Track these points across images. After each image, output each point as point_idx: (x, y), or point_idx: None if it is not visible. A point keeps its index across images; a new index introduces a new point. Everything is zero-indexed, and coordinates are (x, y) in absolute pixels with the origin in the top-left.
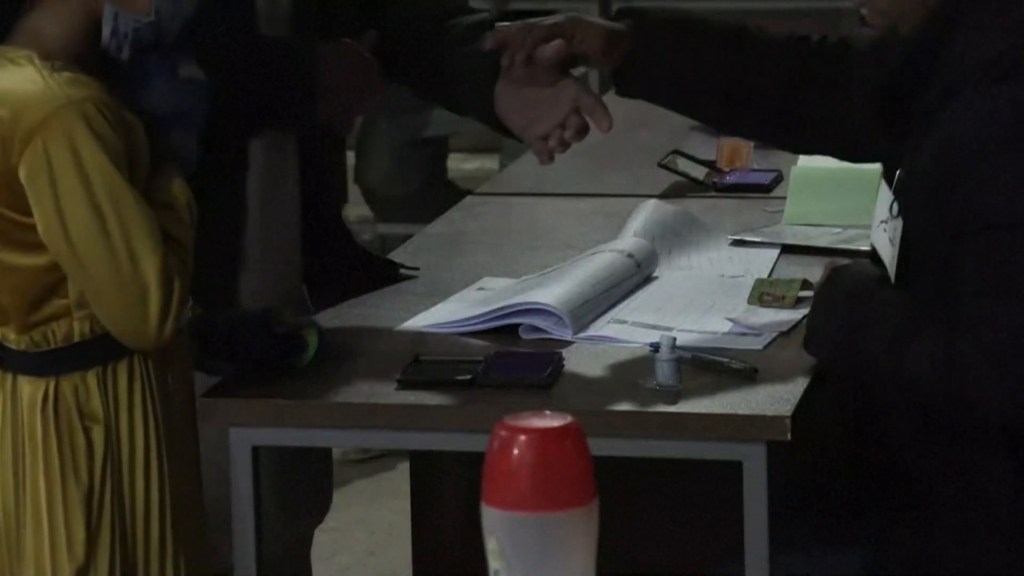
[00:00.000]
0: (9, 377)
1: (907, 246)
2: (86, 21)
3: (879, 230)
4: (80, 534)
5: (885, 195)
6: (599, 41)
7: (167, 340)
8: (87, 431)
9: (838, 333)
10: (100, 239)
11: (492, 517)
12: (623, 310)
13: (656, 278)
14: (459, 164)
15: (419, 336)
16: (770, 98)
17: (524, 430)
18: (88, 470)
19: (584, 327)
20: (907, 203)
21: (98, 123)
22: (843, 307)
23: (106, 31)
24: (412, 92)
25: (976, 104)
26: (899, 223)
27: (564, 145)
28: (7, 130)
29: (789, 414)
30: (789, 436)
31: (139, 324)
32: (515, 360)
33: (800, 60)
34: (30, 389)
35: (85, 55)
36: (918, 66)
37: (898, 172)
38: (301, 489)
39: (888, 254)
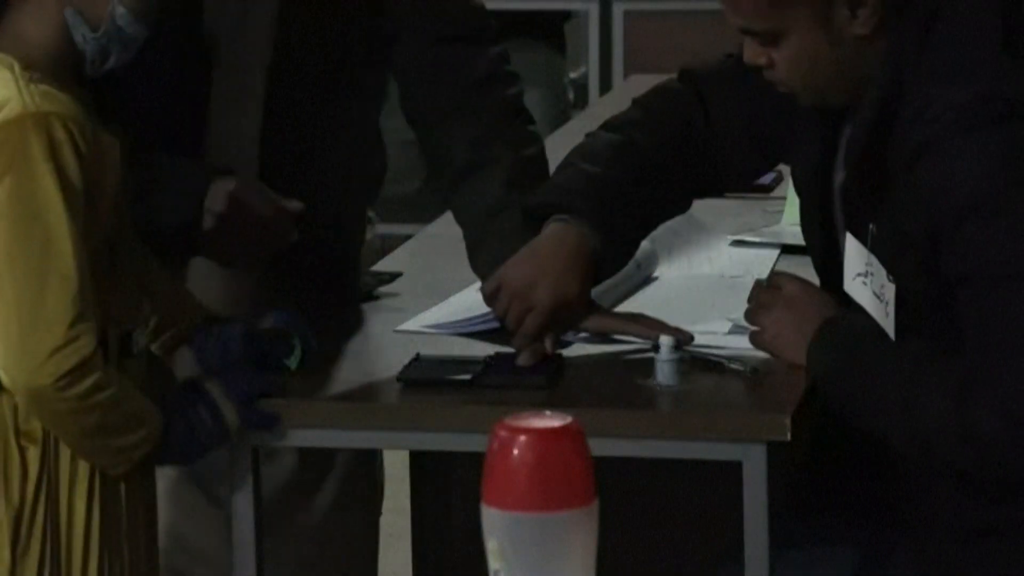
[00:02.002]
0: None
1: (898, 301)
2: (65, 23)
3: (857, 283)
4: (5, 554)
5: (856, 249)
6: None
7: (50, 390)
8: (22, 451)
9: (845, 391)
10: (18, 259)
11: (492, 517)
12: (623, 310)
13: (656, 278)
14: None
15: (419, 336)
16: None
17: (524, 430)
18: (20, 490)
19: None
20: (890, 258)
21: (60, 141)
22: (845, 365)
23: (77, 37)
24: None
25: (955, 155)
26: (892, 287)
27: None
28: None
29: (789, 414)
30: (789, 436)
31: (21, 360)
32: (515, 360)
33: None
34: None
35: (67, 59)
36: (880, 121)
37: (870, 226)
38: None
39: (876, 310)
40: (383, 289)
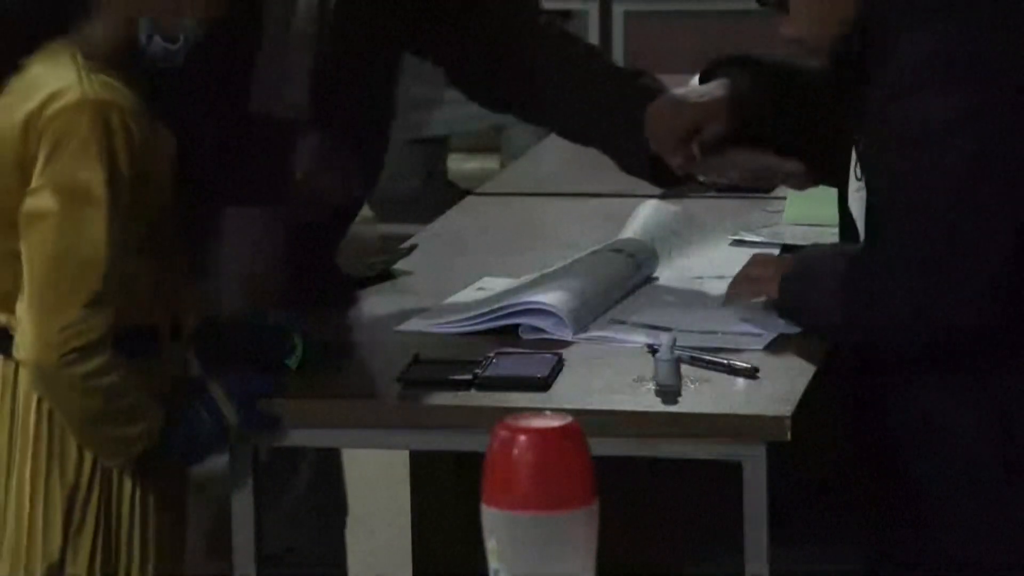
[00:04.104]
0: (12, 365)
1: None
2: (133, 27)
3: (853, 192)
4: (57, 533)
5: (854, 161)
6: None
7: (56, 366)
8: None
9: (801, 294)
10: (53, 237)
11: (492, 517)
12: (623, 310)
13: (656, 279)
14: (459, 164)
15: (419, 336)
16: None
17: (524, 430)
18: (75, 470)
19: (584, 327)
20: (866, 167)
21: (114, 129)
22: (807, 272)
23: (143, 39)
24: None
25: (895, 51)
26: (863, 185)
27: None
28: (33, 118)
29: (789, 414)
30: (789, 436)
31: (34, 333)
32: (515, 360)
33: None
34: (28, 380)
35: (130, 62)
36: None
37: (856, 140)
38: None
39: (860, 216)
40: (400, 266)
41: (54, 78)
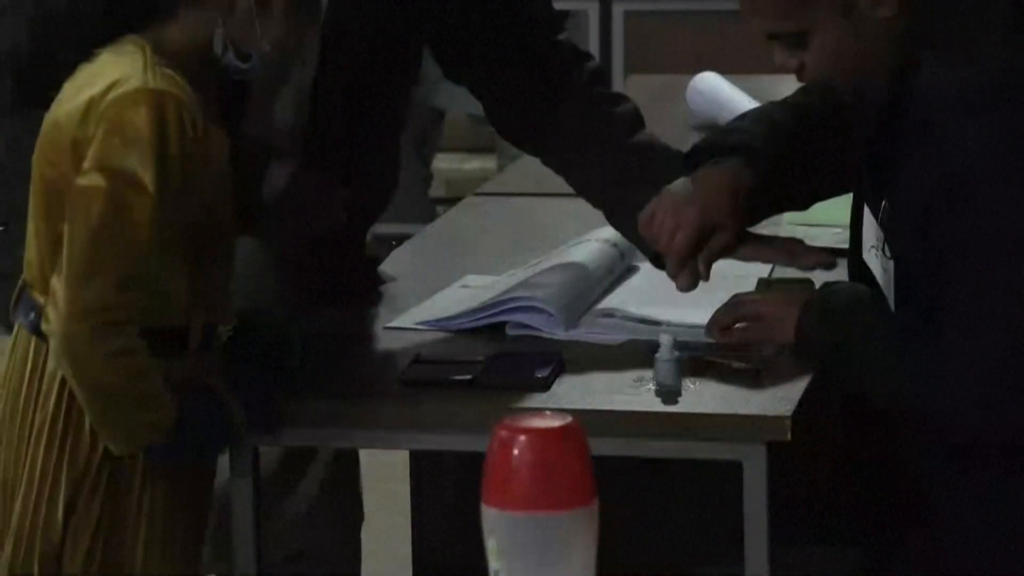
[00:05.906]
0: (43, 348)
1: (898, 274)
2: (209, 39)
3: (871, 254)
4: (58, 516)
5: (871, 223)
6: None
7: (84, 340)
8: None
9: (831, 345)
10: (96, 212)
11: (492, 517)
12: (611, 302)
13: (637, 267)
14: (459, 164)
15: (419, 336)
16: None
17: (524, 430)
18: (86, 457)
19: (574, 323)
20: (894, 233)
21: (168, 119)
22: (837, 322)
23: (217, 49)
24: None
25: (953, 136)
26: (891, 264)
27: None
28: (94, 103)
29: (789, 414)
30: (789, 436)
31: (65, 305)
32: (515, 360)
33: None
34: (54, 364)
35: (200, 67)
36: (891, 98)
37: (883, 203)
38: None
39: (884, 281)
40: (399, 267)
41: (120, 67)
